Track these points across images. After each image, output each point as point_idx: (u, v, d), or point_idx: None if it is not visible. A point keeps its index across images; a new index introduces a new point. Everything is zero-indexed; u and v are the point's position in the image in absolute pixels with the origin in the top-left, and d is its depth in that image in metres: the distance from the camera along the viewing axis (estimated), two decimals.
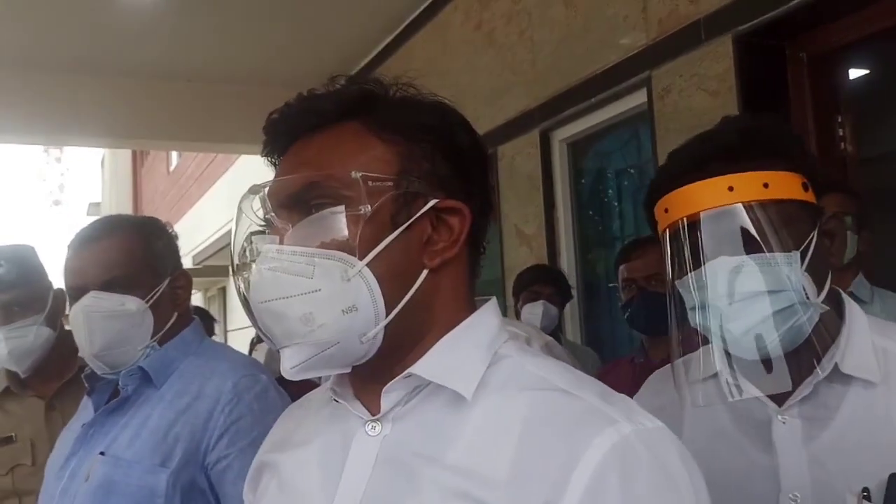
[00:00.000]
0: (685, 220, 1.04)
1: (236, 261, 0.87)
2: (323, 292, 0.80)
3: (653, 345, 2.53)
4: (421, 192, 0.84)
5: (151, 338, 1.55)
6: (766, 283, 0.99)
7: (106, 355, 1.53)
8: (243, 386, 1.51)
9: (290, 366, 0.83)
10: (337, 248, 0.81)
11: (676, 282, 1.07)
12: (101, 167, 19.28)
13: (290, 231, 0.83)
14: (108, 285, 1.51)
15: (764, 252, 0.99)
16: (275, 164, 0.93)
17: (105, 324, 1.51)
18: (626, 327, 3.07)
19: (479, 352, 0.85)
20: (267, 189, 0.85)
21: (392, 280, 0.82)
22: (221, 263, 9.84)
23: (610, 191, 3.58)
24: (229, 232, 7.91)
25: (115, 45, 4.83)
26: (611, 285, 3.35)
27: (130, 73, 5.23)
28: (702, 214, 1.02)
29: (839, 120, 2.63)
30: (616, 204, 3.54)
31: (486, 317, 0.88)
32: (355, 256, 0.81)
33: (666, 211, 1.06)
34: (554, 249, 3.60)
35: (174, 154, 13.22)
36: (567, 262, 3.60)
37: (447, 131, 0.88)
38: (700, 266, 1.02)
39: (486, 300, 0.91)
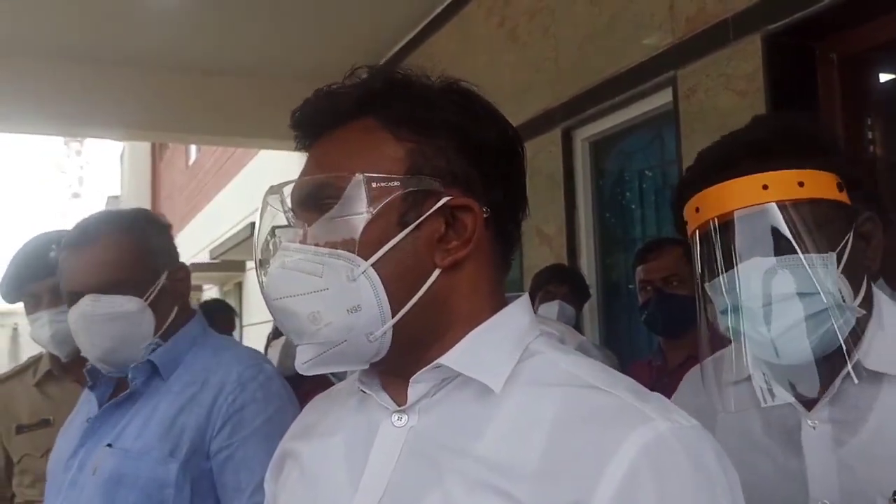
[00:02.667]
0: (717, 219, 1.01)
1: (259, 256, 0.88)
2: (330, 291, 0.81)
3: (670, 347, 2.51)
4: (433, 190, 0.83)
5: (154, 335, 1.55)
6: (801, 286, 0.96)
7: (109, 357, 1.53)
8: (248, 375, 1.51)
9: (302, 361, 0.84)
10: (343, 247, 0.81)
11: (707, 284, 1.04)
12: (120, 161, 19.41)
13: (305, 230, 0.84)
14: (105, 287, 1.51)
15: (799, 253, 0.97)
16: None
17: (105, 327, 1.51)
18: (645, 329, 3.04)
19: (508, 346, 0.85)
20: (283, 188, 0.87)
21: (399, 280, 0.82)
22: (238, 258, 9.86)
23: (631, 191, 3.55)
24: (249, 226, 7.84)
25: (138, 37, 4.83)
26: (631, 287, 3.32)
27: (152, 66, 5.25)
28: (736, 213, 0.99)
29: (869, 122, 2.59)
30: (637, 205, 3.51)
31: (517, 313, 0.88)
32: (361, 256, 0.81)
33: (697, 210, 1.04)
34: (574, 250, 3.57)
35: (193, 148, 13.28)
36: (587, 263, 3.57)
37: (466, 127, 0.87)
38: (732, 267, 0.99)
39: (518, 296, 0.90)
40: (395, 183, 0.82)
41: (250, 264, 10.29)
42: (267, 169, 8.40)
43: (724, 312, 1.02)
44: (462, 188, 0.84)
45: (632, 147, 3.50)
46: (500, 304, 0.88)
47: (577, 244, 3.58)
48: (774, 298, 0.97)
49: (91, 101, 5.25)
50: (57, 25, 4.64)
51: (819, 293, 0.96)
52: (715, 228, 1.02)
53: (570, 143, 3.60)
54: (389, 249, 0.81)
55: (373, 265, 0.81)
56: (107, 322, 1.51)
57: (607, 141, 3.57)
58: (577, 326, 3.34)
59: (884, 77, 2.62)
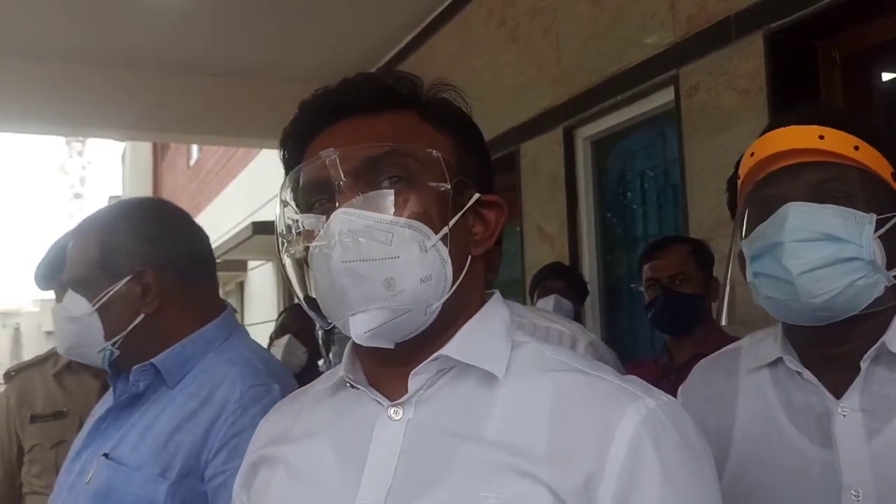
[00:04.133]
0: (770, 159, 1.03)
1: (284, 232, 0.88)
2: (401, 260, 0.82)
3: (676, 345, 2.51)
4: (470, 182, 0.90)
5: (108, 339, 1.47)
6: (836, 231, 0.98)
7: (72, 354, 1.54)
8: (250, 397, 1.41)
9: (364, 330, 0.83)
10: (416, 219, 0.83)
11: (744, 240, 1.06)
12: (121, 161, 19.42)
13: (360, 199, 0.84)
14: (70, 286, 1.50)
15: (842, 205, 0.99)
16: (285, 150, 0.94)
17: (62, 326, 1.51)
18: (646, 328, 3.04)
19: (501, 336, 0.90)
20: (339, 154, 0.85)
21: (454, 258, 0.85)
22: (240, 258, 9.85)
23: (633, 190, 3.55)
24: (251, 226, 7.77)
25: (140, 38, 4.84)
26: (633, 285, 3.32)
27: (153, 66, 5.25)
28: (788, 156, 1.02)
29: None
30: (639, 204, 3.51)
31: (498, 307, 0.94)
32: (431, 229, 0.84)
33: (752, 155, 1.06)
34: (575, 249, 3.57)
35: (194, 148, 13.28)
36: (589, 262, 3.57)
37: (477, 131, 0.95)
38: (778, 205, 1.01)
39: (492, 293, 0.95)
40: (454, 169, 0.88)
41: (252, 264, 10.29)
42: (268, 169, 8.39)
43: (755, 258, 1.04)
44: (481, 186, 0.91)
45: (633, 146, 3.50)
46: (483, 298, 0.93)
47: (579, 243, 3.58)
48: (806, 237, 0.99)
49: (92, 102, 5.26)
50: (59, 26, 4.64)
51: (851, 243, 0.98)
52: (764, 177, 1.03)
53: (571, 142, 3.60)
54: (450, 227, 0.85)
55: (440, 239, 0.84)
56: (63, 322, 1.50)
57: (609, 140, 3.57)
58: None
59: (886, 76, 2.62)
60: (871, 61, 2.59)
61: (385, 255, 0.81)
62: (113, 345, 1.47)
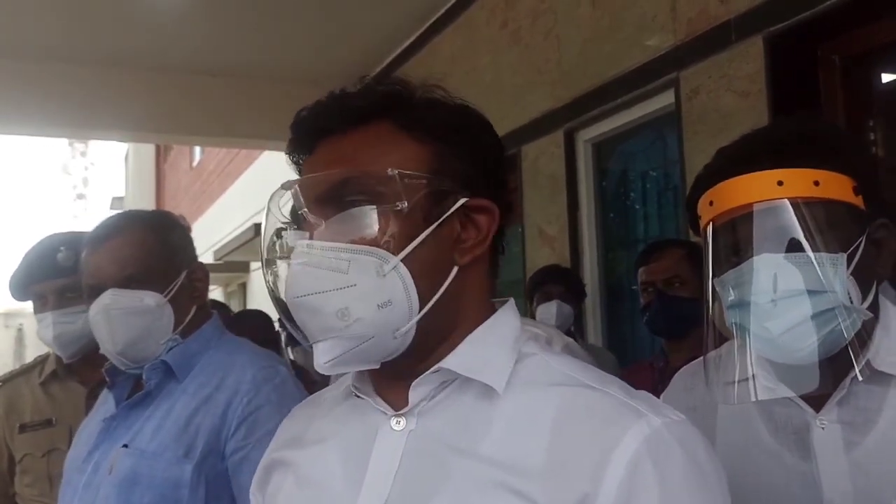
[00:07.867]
0: (730, 213, 1.01)
1: (265, 255, 0.88)
2: (358, 287, 0.81)
3: (673, 348, 2.51)
4: (451, 190, 0.86)
5: (173, 331, 1.56)
6: (809, 284, 0.96)
7: (129, 351, 1.54)
8: (262, 377, 1.52)
9: (325, 360, 0.83)
10: (372, 243, 0.82)
11: (717, 279, 1.04)
12: (124, 162, 19.45)
13: (323, 226, 0.83)
14: (126, 282, 1.52)
15: (810, 251, 0.97)
16: (298, 163, 0.93)
17: (126, 320, 1.51)
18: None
19: (505, 348, 0.87)
20: (299, 184, 0.85)
21: (425, 276, 0.83)
22: (242, 259, 9.88)
23: (634, 193, 3.55)
24: (253, 227, 7.83)
25: (142, 39, 4.85)
26: (633, 288, 3.32)
27: (156, 68, 5.26)
28: (748, 208, 0.99)
29: (871, 124, 2.58)
30: (640, 206, 3.51)
31: (508, 316, 0.91)
32: (390, 252, 0.82)
33: (711, 204, 1.04)
34: (576, 251, 3.57)
35: (197, 149, 13.29)
36: (589, 264, 3.58)
37: (473, 132, 0.91)
38: (743, 261, 0.99)
39: (505, 301, 0.93)
40: (423, 181, 0.84)
41: (254, 265, 10.30)
42: (270, 171, 8.41)
43: (731, 308, 1.02)
44: (472, 190, 0.88)
45: (634, 148, 3.51)
46: (491, 308, 0.91)
47: (580, 245, 3.59)
48: (782, 295, 0.96)
49: (95, 103, 5.27)
50: (61, 28, 4.65)
51: (827, 292, 0.95)
52: (728, 221, 1.01)
53: (572, 144, 3.60)
54: (417, 245, 0.83)
55: (402, 261, 0.82)
56: (127, 316, 1.51)
57: (610, 142, 3.58)
58: (578, 326, 3.34)
59: (886, 78, 2.61)
60: (871, 64, 2.59)
61: (339, 284, 0.81)
62: (181, 335, 1.56)
